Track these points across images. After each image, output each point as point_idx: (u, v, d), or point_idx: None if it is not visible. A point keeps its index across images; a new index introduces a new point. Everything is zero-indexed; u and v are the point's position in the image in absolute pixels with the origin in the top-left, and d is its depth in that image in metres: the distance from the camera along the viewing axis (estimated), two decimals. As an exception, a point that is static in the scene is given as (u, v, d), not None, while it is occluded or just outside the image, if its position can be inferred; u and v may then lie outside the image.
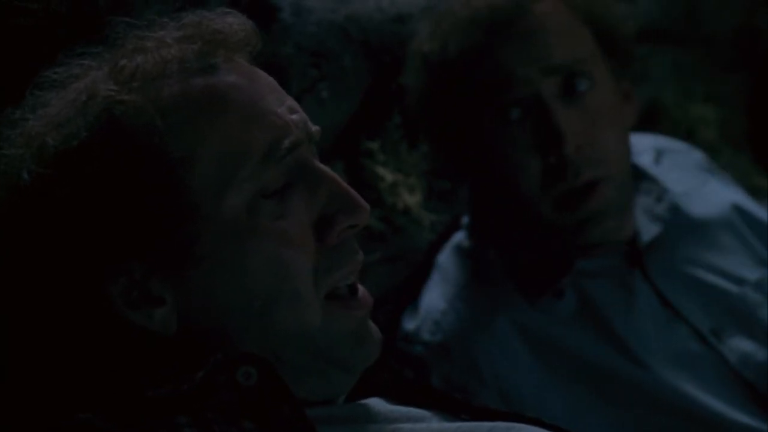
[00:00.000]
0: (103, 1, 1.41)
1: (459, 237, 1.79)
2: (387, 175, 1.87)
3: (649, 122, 2.28)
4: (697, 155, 1.93)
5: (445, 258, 1.77)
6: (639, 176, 1.78)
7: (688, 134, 2.30)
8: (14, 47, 1.33)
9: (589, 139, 1.62)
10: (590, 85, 1.64)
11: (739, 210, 1.78)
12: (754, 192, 1.99)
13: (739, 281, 1.70)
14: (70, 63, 1.15)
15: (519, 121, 1.62)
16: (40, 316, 1.10)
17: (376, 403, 1.17)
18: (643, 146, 1.88)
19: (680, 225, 1.74)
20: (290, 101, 1.15)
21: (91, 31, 1.18)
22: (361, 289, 1.15)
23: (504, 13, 1.63)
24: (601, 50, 1.68)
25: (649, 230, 1.71)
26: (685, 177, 1.83)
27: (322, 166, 1.14)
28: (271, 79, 1.16)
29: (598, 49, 1.67)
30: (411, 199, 1.89)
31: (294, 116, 1.13)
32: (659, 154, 1.87)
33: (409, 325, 1.70)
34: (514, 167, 1.63)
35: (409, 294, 1.75)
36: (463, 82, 1.65)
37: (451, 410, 1.20)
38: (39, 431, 1.06)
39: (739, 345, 1.65)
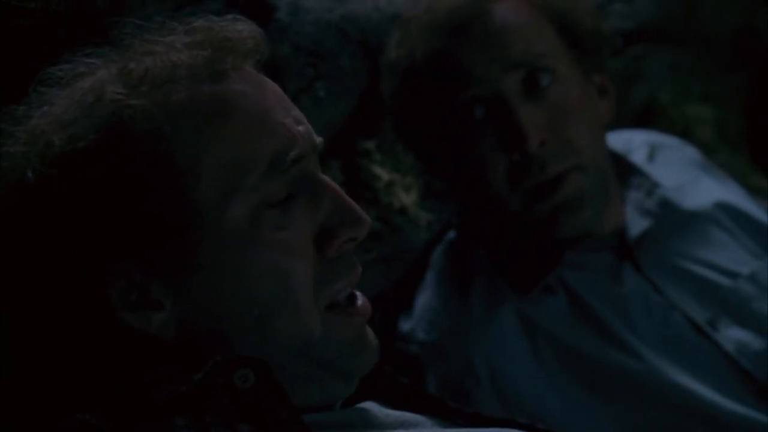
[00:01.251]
0: (102, 1, 1.42)
1: (451, 235, 1.79)
2: (383, 174, 1.87)
3: (645, 121, 2.28)
4: (691, 151, 1.93)
5: (439, 256, 1.78)
6: (631, 172, 1.79)
7: (684, 134, 2.30)
8: (14, 47, 1.33)
9: (553, 133, 1.62)
10: (553, 79, 1.64)
11: (725, 207, 1.78)
12: (752, 192, 1.99)
13: (732, 275, 1.70)
14: (76, 61, 1.14)
15: (483, 120, 1.63)
16: (39, 315, 1.10)
17: (371, 407, 1.18)
18: (637, 143, 1.88)
19: (671, 220, 1.74)
20: (296, 111, 1.14)
21: (91, 31, 1.17)
22: (360, 296, 1.15)
23: (463, 14, 1.64)
24: (566, 46, 1.68)
25: (637, 224, 1.71)
26: (678, 172, 1.82)
27: (325, 178, 1.14)
28: (278, 88, 1.15)
29: (562, 44, 1.67)
30: (407, 198, 1.90)
31: (300, 128, 1.13)
32: (653, 150, 1.87)
33: (405, 325, 1.71)
34: (482, 166, 1.63)
35: (405, 294, 1.75)
36: (430, 85, 1.66)
37: (445, 415, 1.20)
38: (38, 431, 1.06)
39: (735, 335, 1.65)
